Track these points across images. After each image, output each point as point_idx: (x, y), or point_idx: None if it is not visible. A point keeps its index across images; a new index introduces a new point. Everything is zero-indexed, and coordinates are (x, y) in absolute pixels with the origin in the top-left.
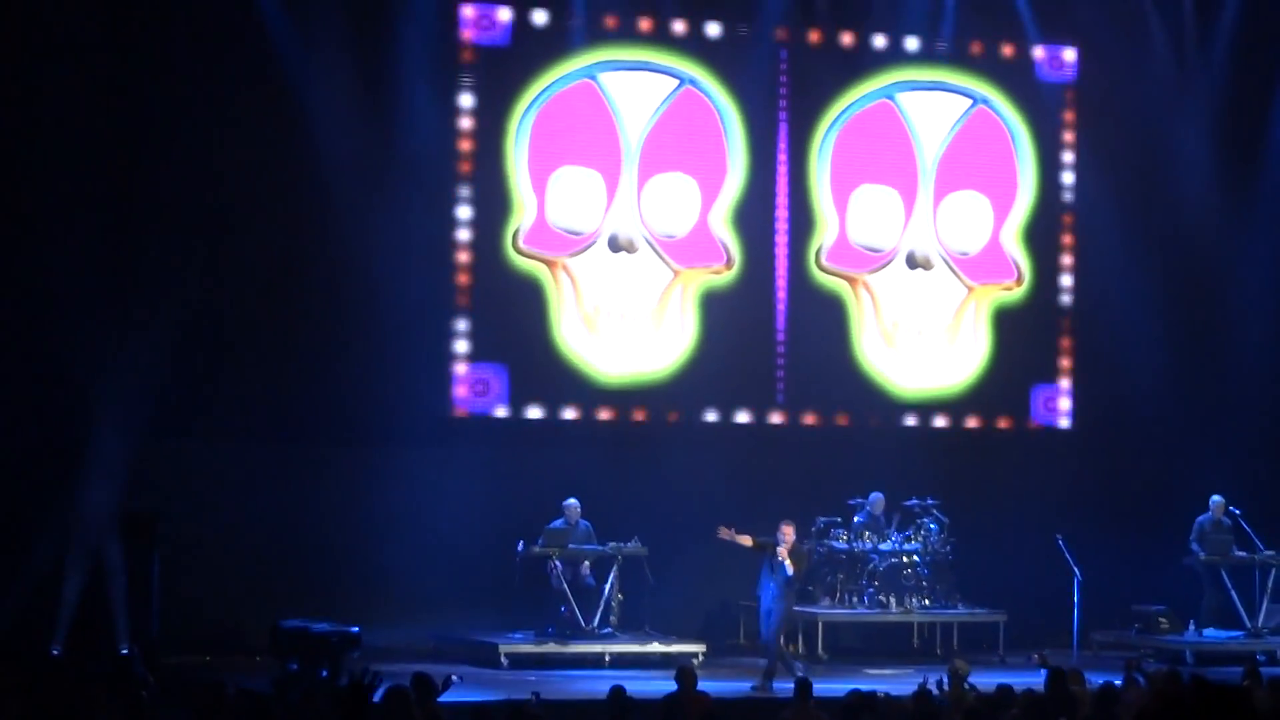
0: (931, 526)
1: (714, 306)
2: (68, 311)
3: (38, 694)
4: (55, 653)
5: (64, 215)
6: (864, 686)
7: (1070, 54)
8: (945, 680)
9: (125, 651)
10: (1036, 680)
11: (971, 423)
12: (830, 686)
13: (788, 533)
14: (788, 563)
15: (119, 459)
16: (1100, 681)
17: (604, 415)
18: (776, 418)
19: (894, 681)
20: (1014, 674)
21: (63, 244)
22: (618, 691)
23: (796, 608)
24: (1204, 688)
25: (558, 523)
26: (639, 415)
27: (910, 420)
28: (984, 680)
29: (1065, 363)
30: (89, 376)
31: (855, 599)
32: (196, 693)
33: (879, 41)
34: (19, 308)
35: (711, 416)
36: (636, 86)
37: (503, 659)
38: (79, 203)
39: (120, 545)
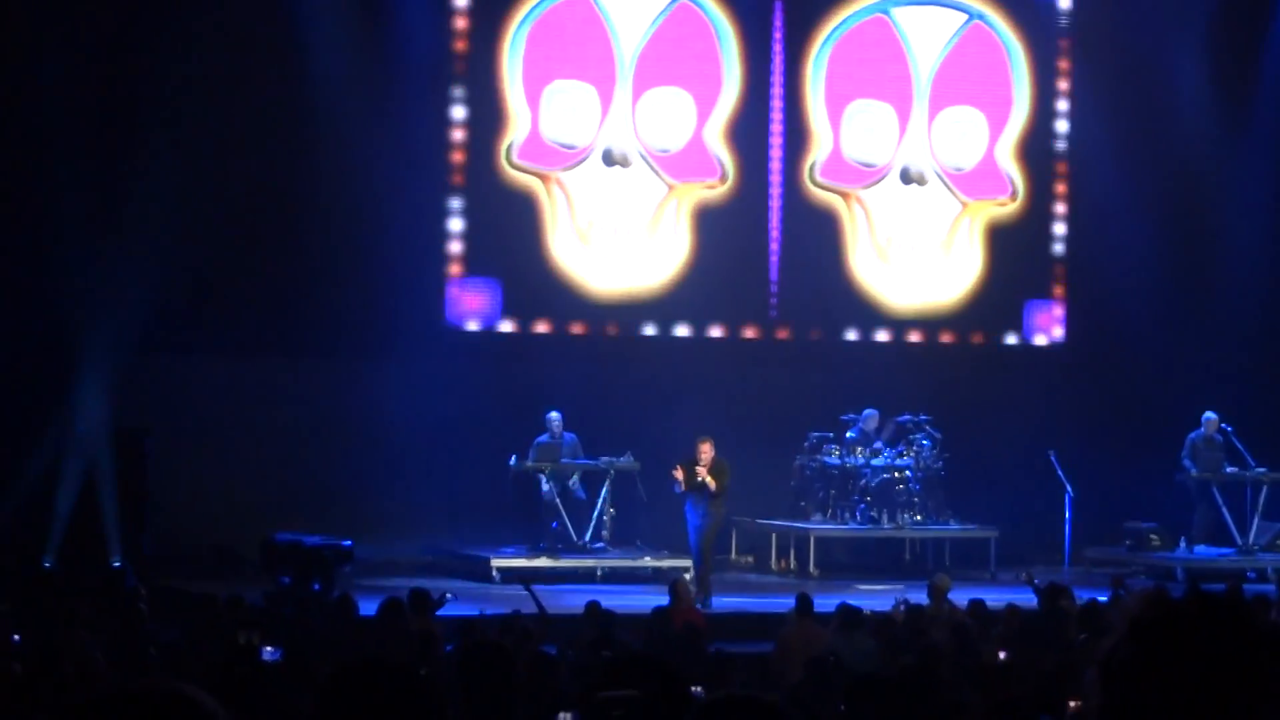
0: (924, 442)
1: (708, 221)
2: (59, 225)
3: (30, 605)
4: (47, 565)
5: (54, 129)
6: (854, 601)
7: None
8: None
9: (117, 565)
10: (1026, 597)
11: (965, 338)
12: (822, 601)
13: (704, 450)
14: (709, 479)
15: (111, 374)
16: (1087, 598)
17: (597, 330)
18: (770, 333)
19: (885, 597)
20: (1005, 590)
21: (53, 158)
22: (593, 606)
23: (789, 523)
24: (1203, 598)
25: (543, 437)
26: (632, 330)
27: (903, 336)
28: (975, 596)
29: (1059, 279)
30: (81, 291)
31: (847, 514)
32: (189, 606)
33: None
34: (10, 222)
35: (705, 331)
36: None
37: (495, 573)
38: (69, 115)
39: (112, 460)
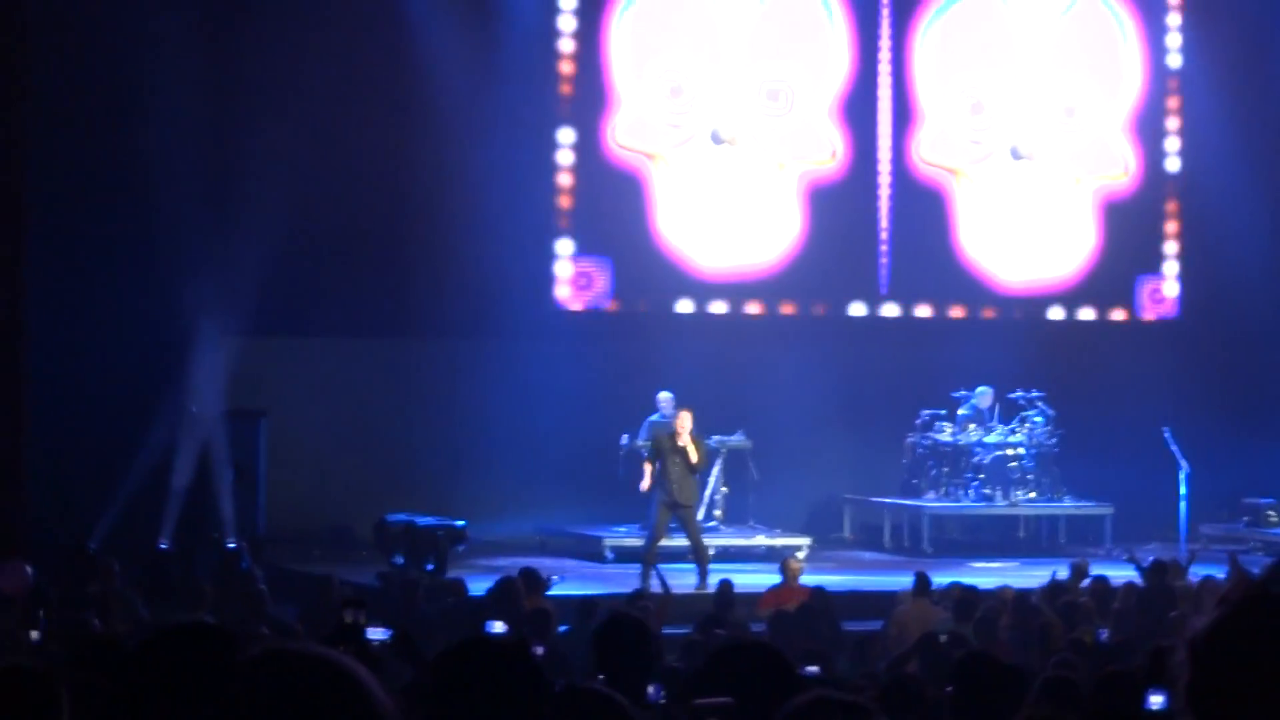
0: (1037, 419)
1: (817, 199)
2: (172, 208)
3: (148, 586)
4: (163, 546)
5: (166, 110)
6: (969, 580)
7: None
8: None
9: (232, 546)
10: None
11: (1076, 314)
12: (937, 578)
13: (682, 419)
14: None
15: (225, 355)
16: (1203, 575)
17: (707, 308)
18: (880, 310)
19: (1000, 574)
20: (1119, 565)
21: (165, 140)
22: (726, 586)
23: (902, 501)
24: None
25: (656, 416)
26: (742, 308)
27: (1014, 312)
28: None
29: (1171, 253)
30: (194, 272)
31: (960, 492)
32: (304, 587)
33: None
34: (125, 205)
35: (815, 309)
36: None
37: (607, 553)
38: (180, 96)
39: (227, 441)
